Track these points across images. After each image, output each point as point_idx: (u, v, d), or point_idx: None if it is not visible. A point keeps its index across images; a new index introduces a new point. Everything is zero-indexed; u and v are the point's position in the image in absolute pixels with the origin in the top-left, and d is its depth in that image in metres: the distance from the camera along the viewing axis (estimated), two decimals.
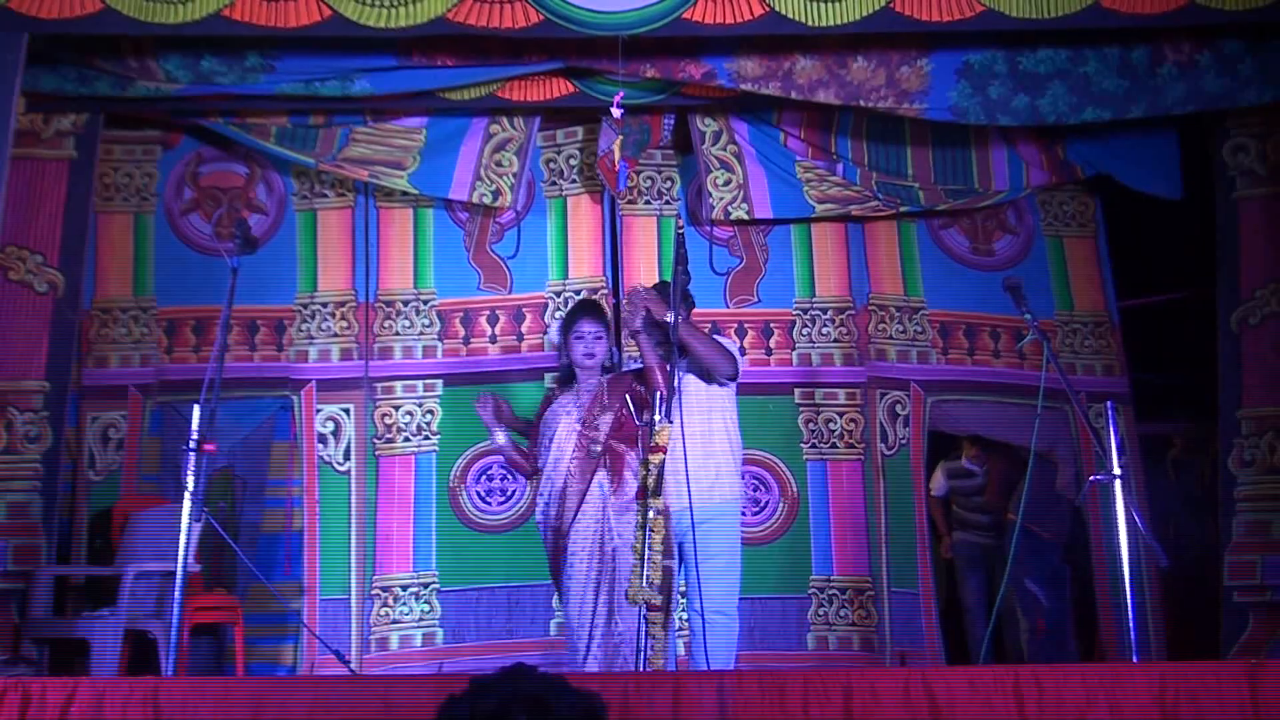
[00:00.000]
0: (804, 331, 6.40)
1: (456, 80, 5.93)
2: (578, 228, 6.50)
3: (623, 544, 4.70)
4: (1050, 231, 6.70)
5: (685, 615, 5.18)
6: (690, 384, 4.92)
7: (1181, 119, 6.06)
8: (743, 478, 5.11)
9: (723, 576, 4.87)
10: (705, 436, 4.93)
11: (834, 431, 6.28)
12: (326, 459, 6.24)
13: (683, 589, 5.06)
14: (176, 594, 4.27)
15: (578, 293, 6.38)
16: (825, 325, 6.41)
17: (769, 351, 6.34)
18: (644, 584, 4.36)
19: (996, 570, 6.75)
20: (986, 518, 7.02)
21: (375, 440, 6.27)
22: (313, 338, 6.37)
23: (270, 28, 5.23)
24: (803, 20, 5.24)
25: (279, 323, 6.37)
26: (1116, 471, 4.38)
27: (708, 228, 6.44)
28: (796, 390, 6.31)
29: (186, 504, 4.32)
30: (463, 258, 6.46)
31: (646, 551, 4.37)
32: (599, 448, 4.78)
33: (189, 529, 4.33)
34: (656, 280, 6.19)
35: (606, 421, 4.82)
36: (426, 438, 6.24)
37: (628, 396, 4.84)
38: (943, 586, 6.90)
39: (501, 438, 5.02)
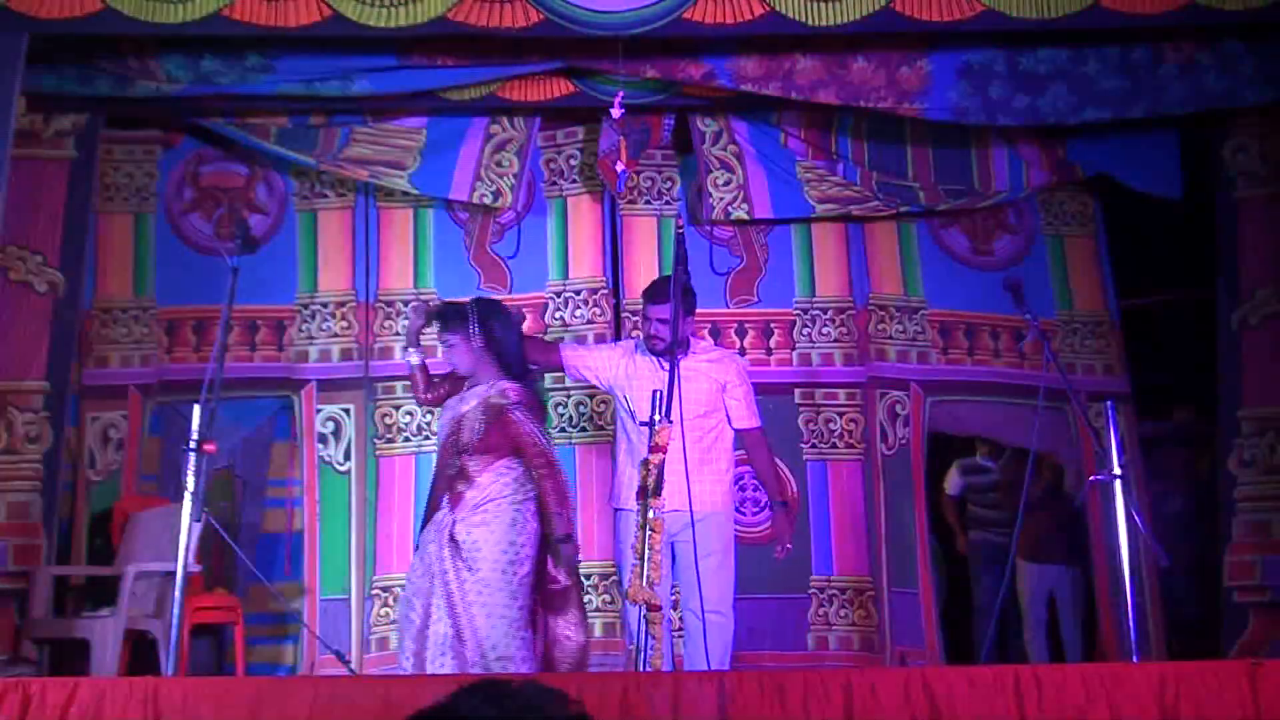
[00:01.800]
0: (804, 331, 6.39)
1: (456, 80, 5.93)
2: (578, 228, 6.50)
3: (455, 556, 4.64)
4: (1050, 231, 6.69)
5: (680, 615, 5.18)
6: (697, 384, 4.90)
7: (1182, 119, 6.06)
8: (738, 479, 5.11)
9: (717, 576, 4.86)
10: (705, 435, 4.92)
11: (834, 431, 6.28)
12: (326, 459, 6.24)
13: (677, 591, 5.06)
14: (176, 594, 4.27)
15: (577, 292, 6.39)
16: (825, 325, 6.40)
17: (769, 351, 6.33)
18: (644, 584, 4.35)
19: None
20: (1002, 514, 7.03)
21: (375, 440, 6.26)
22: (313, 338, 6.36)
23: (270, 28, 5.23)
24: (803, 20, 5.23)
25: (279, 323, 6.36)
26: (1117, 471, 4.38)
27: (708, 228, 6.43)
28: (796, 390, 6.30)
29: (186, 504, 4.32)
30: (463, 258, 6.46)
31: (647, 552, 4.37)
32: (454, 470, 4.76)
33: (189, 529, 4.33)
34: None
35: (471, 435, 4.77)
36: (426, 438, 6.22)
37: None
38: (943, 586, 6.90)
39: (416, 357, 4.96)
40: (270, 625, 6.06)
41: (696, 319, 5.24)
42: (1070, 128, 6.10)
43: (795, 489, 6.18)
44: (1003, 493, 7.07)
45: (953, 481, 7.25)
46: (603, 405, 6.22)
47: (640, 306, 6.17)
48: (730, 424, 5.03)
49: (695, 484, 4.67)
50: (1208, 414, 6.22)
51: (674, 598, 5.12)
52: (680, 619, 5.20)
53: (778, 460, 6.08)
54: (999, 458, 7.13)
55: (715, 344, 5.90)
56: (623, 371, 5.07)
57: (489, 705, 1.80)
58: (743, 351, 6.21)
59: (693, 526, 4.57)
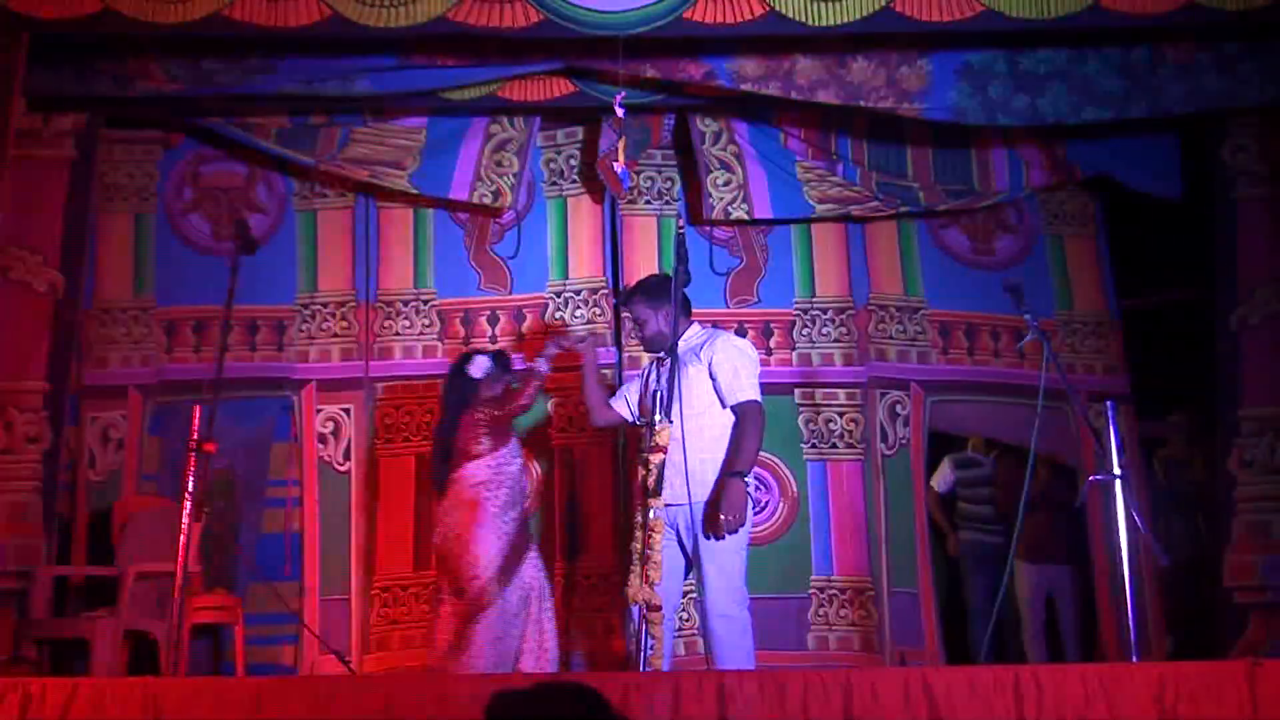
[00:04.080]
0: (804, 331, 6.39)
1: (456, 80, 5.93)
2: (578, 228, 6.50)
3: None
4: (1050, 231, 6.69)
5: (684, 616, 5.16)
6: (695, 378, 4.85)
7: (1181, 119, 6.06)
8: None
9: (721, 577, 4.75)
10: (703, 429, 4.83)
11: (834, 431, 6.27)
12: (326, 459, 6.24)
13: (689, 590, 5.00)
14: (176, 594, 4.27)
15: (578, 292, 6.39)
16: (825, 325, 6.40)
17: (769, 351, 6.32)
18: (644, 584, 4.35)
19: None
20: (993, 510, 7.01)
21: (375, 440, 6.26)
22: (313, 338, 6.37)
23: (270, 28, 5.23)
24: (803, 20, 5.24)
25: (279, 323, 6.36)
26: (1116, 471, 4.38)
27: (708, 228, 6.43)
28: (796, 390, 6.30)
29: (186, 504, 4.33)
30: (463, 258, 6.46)
31: (646, 551, 4.36)
32: None
33: (189, 529, 4.33)
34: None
35: None
36: (425, 438, 6.22)
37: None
38: (943, 586, 6.89)
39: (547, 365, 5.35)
40: (270, 625, 6.05)
41: (698, 318, 5.16)
42: (1070, 128, 6.10)
43: (795, 490, 6.18)
44: (995, 489, 7.06)
45: (943, 478, 7.20)
46: None
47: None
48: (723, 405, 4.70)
49: (697, 478, 4.59)
50: (1208, 414, 6.21)
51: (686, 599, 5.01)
52: (685, 618, 5.17)
53: (776, 458, 6.11)
54: (990, 452, 7.12)
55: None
56: (648, 382, 4.90)
57: (576, 703, 1.84)
58: None
59: (692, 518, 4.53)
